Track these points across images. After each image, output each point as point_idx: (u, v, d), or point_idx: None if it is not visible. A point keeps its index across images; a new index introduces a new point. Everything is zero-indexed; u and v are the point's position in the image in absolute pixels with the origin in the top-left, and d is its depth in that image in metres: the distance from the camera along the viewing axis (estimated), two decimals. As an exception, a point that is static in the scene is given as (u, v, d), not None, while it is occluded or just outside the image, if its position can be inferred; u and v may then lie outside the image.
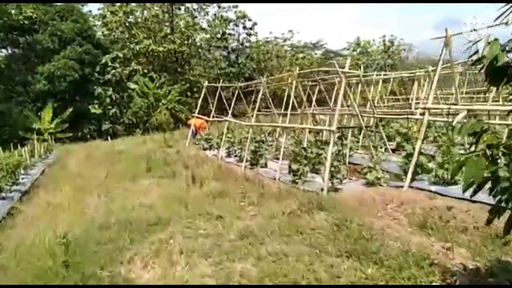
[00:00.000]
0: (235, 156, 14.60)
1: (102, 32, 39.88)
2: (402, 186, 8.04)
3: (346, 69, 9.15)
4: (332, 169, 9.10)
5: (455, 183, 7.62)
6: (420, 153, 8.08)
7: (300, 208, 6.73)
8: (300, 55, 46.31)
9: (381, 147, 13.28)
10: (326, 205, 6.72)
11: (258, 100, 13.87)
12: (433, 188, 7.54)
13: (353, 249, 5.10)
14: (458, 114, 7.97)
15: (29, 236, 6.86)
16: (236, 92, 16.87)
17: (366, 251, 4.99)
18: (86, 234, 6.16)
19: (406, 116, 12.00)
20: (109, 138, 30.41)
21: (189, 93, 37.83)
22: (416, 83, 16.46)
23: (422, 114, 8.64)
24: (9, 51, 38.03)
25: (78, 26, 35.62)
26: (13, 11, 33.83)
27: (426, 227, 6.16)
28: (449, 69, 9.54)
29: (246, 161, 12.68)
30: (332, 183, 9.16)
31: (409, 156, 8.46)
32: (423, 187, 7.73)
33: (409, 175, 7.92)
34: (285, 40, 48.41)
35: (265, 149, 13.21)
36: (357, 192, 8.66)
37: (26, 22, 34.36)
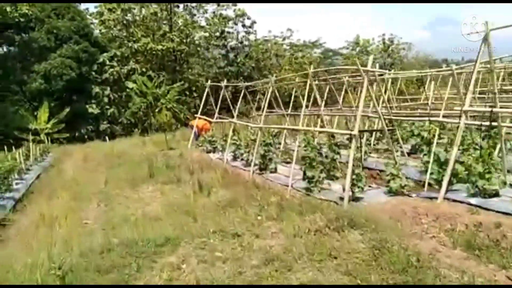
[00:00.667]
0: (242, 159, 13.84)
1: (100, 30, 39.10)
2: (436, 198, 7.23)
3: (369, 67, 8.36)
4: (353, 176, 8.32)
5: (497, 194, 6.83)
6: (456, 161, 7.30)
7: (328, 225, 5.93)
8: (299, 54, 45.56)
9: (396, 151, 12.52)
10: (358, 221, 5.92)
11: (267, 100, 13.13)
12: (473, 200, 6.72)
13: (402, 280, 4.31)
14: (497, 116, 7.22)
15: (20, 256, 6.05)
16: (242, 92, 16.06)
17: (419, 284, 4.21)
18: (85, 259, 5.33)
19: (427, 117, 11.20)
20: (107, 138, 29.56)
21: (187, 93, 37.02)
22: (432, 83, 15.64)
23: (458, 116, 7.83)
24: (5, 49, 37.22)
25: (75, 24, 34.79)
26: (8, 9, 32.84)
27: (474, 248, 5.39)
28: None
29: (255, 165, 11.91)
30: (353, 191, 8.39)
31: (443, 164, 7.66)
32: (461, 199, 6.91)
33: (444, 185, 7.12)
34: (284, 39, 47.64)
35: (273, 152, 12.41)
36: (381, 202, 7.89)
37: (21, 19, 33.36)
